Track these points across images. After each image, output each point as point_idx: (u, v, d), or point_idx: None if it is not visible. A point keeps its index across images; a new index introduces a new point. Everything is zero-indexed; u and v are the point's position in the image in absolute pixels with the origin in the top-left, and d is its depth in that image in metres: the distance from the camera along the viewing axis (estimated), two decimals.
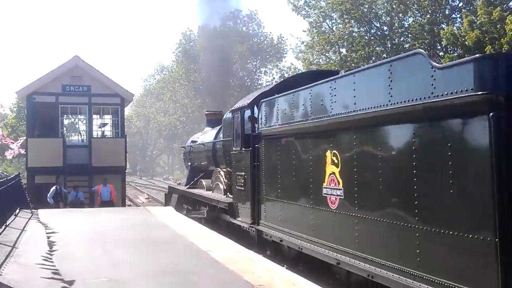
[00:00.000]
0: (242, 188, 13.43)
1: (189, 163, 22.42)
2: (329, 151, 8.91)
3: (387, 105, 7.12)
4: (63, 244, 12.97)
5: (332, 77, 9.00)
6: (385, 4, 33.94)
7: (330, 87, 8.88)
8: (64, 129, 35.43)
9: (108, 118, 34.31)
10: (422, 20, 32.26)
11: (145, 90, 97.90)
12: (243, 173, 13.37)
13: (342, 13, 34.57)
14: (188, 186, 21.24)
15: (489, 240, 5.42)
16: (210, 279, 9.34)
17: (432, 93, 6.29)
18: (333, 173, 8.74)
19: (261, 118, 12.38)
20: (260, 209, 12.49)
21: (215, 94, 65.28)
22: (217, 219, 16.65)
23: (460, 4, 31.95)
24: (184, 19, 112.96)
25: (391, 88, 7.06)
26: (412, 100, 6.61)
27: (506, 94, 5.39)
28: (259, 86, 65.17)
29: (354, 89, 8.02)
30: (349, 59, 34.68)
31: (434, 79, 6.27)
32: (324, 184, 9.09)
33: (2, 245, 12.51)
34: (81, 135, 37.09)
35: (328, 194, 8.99)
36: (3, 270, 9.89)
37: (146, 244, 12.96)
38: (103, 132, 34.45)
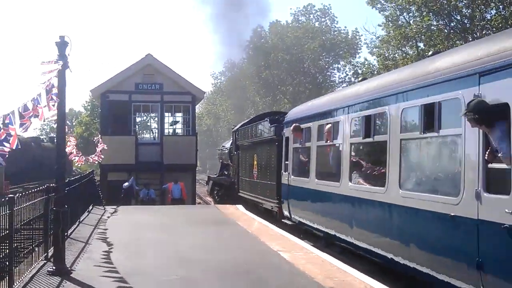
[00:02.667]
0: (235, 173, 26.11)
1: (220, 160, 34.87)
2: (254, 154, 21.46)
3: (264, 138, 19.90)
4: (134, 240, 13.31)
5: (257, 122, 21.89)
6: None
7: (254, 127, 21.94)
8: (136, 126, 36.35)
9: (179, 116, 34.92)
10: (505, 12, 31.07)
11: (216, 87, 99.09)
12: (236, 166, 25.85)
13: (420, 6, 33.77)
14: (217, 175, 33.41)
15: (274, 184, 17.81)
16: (279, 279, 9.33)
17: (268, 134, 19.32)
18: (255, 164, 21.20)
19: (239, 136, 25.22)
20: (239, 184, 24.36)
21: (285, 92, 65.28)
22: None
23: None
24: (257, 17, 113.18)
25: (263, 131, 20.15)
26: (265, 137, 19.72)
27: (281, 137, 17.38)
28: (332, 83, 64.60)
29: (257, 130, 21.25)
30: (427, 54, 33.81)
31: (269, 130, 19.01)
32: (254, 169, 21.41)
33: (76, 241, 12.97)
34: (153, 132, 37.95)
35: (254, 173, 21.28)
36: (76, 266, 10.25)
37: (216, 242, 13.11)
38: (174, 129, 35.10)
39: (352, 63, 59.01)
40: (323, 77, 65.24)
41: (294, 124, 15.40)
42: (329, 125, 12.77)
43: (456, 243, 7.51)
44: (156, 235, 14.24)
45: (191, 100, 31.98)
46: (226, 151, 31.26)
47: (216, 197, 33.02)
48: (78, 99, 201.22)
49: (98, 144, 21.67)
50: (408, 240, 8.89)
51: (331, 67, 65.47)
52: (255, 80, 68.27)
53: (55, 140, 10.58)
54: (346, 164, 11.55)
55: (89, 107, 74.61)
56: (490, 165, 6.99)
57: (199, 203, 38.93)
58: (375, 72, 39.26)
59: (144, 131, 43.97)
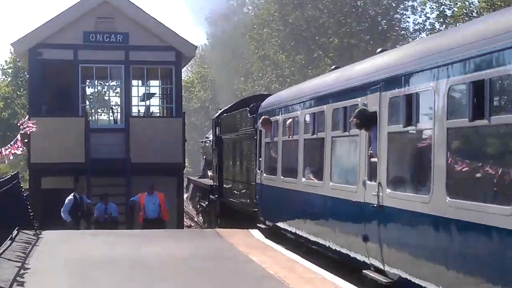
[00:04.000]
0: (215, 175, 33.23)
1: (204, 157, 43.23)
2: (236, 150, 28.71)
3: (244, 130, 26.75)
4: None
5: (239, 110, 28.53)
6: None
7: (235, 116, 29.13)
8: (87, 102, 36.40)
9: (155, 86, 34.93)
10: None
11: (214, 40, 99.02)
12: (215, 163, 32.73)
13: None
14: (199, 176, 40.85)
15: (252, 184, 24.27)
16: None
17: (248, 127, 26.01)
18: (237, 161, 28.33)
19: (220, 128, 31.60)
20: (222, 186, 31.32)
21: (327, 45, 64.90)
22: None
23: None
24: None
25: (244, 121, 26.96)
26: (246, 129, 26.39)
27: (257, 129, 22.96)
28: (403, 33, 64.31)
29: (238, 120, 28.14)
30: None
31: (248, 121, 25.99)
32: (236, 168, 28.51)
33: None
34: (113, 112, 37.97)
35: (237, 173, 28.40)
36: None
37: None
38: (148, 107, 35.12)
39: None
40: (388, 22, 64.94)
41: (263, 117, 21.51)
42: (290, 120, 19.26)
43: (356, 224, 14.01)
44: (120, 281, 14.32)
45: (175, 60, 32.03)
46: (209, 144, 38.37)
47: (199, 207, 39.32)
48: None
49: (22, 128, 21.43)
50: (335, 226, 15.56)
51: (401, 6, 65.17)
52: (278, 28, 68.09)
53: None
54: (301, 160, 18.21)
55: (10, 71, 74.81)
56: (371, 159, 13.31)
57: (189, 226, 39.03)
58: (474, 13, 39.06)
59: (100, 110, 44.07)
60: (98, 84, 41.42)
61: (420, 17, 64.62)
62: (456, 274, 10.01)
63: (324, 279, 14.34)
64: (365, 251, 13.27)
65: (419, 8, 63.87)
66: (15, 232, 19.77)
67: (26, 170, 31.82)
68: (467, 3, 43.47)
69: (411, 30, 64.73)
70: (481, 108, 9.48)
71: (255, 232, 21.74)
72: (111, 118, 37.60)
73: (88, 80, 35.32)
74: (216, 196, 32.23)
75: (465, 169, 10.16)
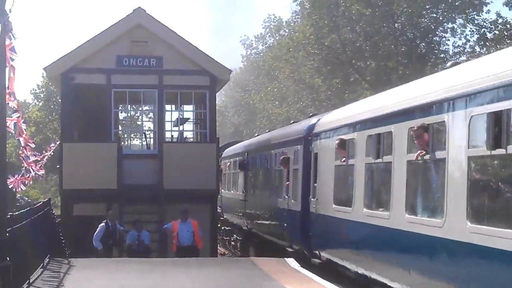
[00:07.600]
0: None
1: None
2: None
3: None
4: None
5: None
6: None
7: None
8: (120, 127, 36.48)
9: (189, 110, 34.91)
10: None
11: (248, 63, 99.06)
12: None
13: None
14: None
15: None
16: None
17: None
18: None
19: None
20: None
21: (364, 69, 64.68)
22: None
23: None
24: None
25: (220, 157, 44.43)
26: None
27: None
28: (442, 56, 64.01)
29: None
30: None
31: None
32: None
33: None
34: (146, 137, 38.11)
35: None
36: None
37: None
38: (181, 132, 35.13)
39: (476, 22, 58.48)
40: (427, 45, 64.60)
41: (221, 158, 39.26)
42: (229, 163, 42.79)
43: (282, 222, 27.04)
44: None
45: (209, 84, 31.96)
46: None
47: None
48: (24, 83, 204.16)
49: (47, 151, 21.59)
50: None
51: (440, 28, 64.86)
52: (314, 51, 67.99)
53: None
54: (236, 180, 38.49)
55: (42, 95, 75.27)
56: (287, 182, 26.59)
57: (224, 254, 38.96)
58: None
59: (132, 135, 44.17)
60: (131, 109, 41.54)
61: (460, 39, 64.23)
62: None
63: None
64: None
65: (458, 31, 63.59)
66: (46, 260, 19.83)
67: (57, 196, 31.78)
68: (508, 26, 43.29)
69: (450, 53, 64.32)
70: None
71: (290, 261, 21.66)
72: (144, 143, 37.75)
73: (121, 105, 35.46)
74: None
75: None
